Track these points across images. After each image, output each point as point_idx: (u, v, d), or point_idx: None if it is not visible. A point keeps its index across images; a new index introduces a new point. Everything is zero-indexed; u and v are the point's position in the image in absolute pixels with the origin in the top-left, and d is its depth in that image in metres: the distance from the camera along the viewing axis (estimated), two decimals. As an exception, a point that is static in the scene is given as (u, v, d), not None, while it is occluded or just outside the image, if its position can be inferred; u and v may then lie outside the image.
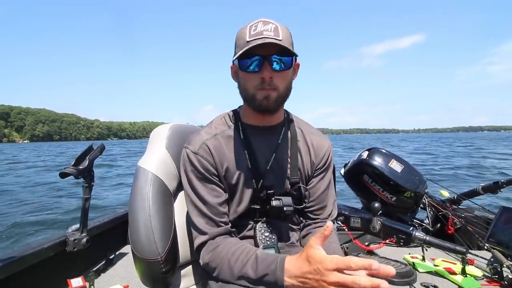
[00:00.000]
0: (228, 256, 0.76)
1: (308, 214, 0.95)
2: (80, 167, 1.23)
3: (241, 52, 0.76)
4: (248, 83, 0.81)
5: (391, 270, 0.56)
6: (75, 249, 1.24)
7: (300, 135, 0.95)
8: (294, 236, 0.95)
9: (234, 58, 0.79)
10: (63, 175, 1.18)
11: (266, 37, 0.75)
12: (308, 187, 0.94)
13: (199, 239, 0.82)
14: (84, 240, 1.26)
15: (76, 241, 1.25)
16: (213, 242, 0.81)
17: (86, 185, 1.27)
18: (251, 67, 0.78)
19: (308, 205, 0.94)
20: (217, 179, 0.85)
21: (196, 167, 0.83)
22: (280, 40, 0.76)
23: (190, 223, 0.86)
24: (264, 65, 0.77)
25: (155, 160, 0.92)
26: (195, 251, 0.85)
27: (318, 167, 0.95)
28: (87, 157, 1.26)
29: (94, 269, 1.35)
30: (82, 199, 1.27)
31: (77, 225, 1.31)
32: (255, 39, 0.75)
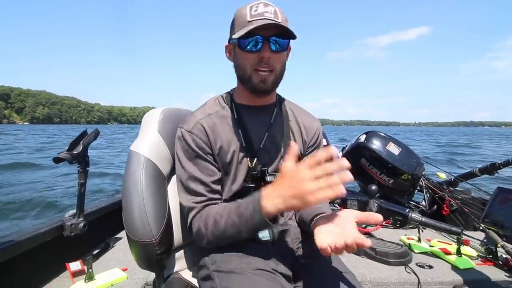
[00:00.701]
0: (213, 215, 0.78)
1: None
2: (74, 152, 1.22)
3: (245, 31, 0.76)
4: (246, 62, 0.81)
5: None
6: (72, 234, 1.25)
7: (291, 116, 0.96)
8: (288, 215, 0.96)
9: (237, 36, 0.78)
10: (57, 160, 1.18)
11: (268, 18, 0.76)
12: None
13: (191, 214, 0.83)
14: (81, 224, 1.27)
15: (73, 226, 1.25)
16: (202, 211, 0.82)
17: (81, 170, 1.27)
18: (252, 46, 0.79)
19: None
20: (211, 157, 0.86)
21: (190, 145, 0.83)
22: (279, 22, 0.77)
23: (181, 202, 0.86)
24: (264, 45, 0.78)
25: (148, 143, 0.91)
26: (188, 229, 0.85)
27: (309, 146, 0.97)
28: (81, 142, 1.25)
29: (92, 253, 1.36)
30: (77, 184, 1.26)
31: (74, 210, 1.31)
32: (257, 19, 0.76)
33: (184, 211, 0.86)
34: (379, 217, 0.64)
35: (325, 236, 0.63)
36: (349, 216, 0.66)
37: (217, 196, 0.85)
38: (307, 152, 0.97)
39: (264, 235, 0.81)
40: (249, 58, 0.80)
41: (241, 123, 0.88)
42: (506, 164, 1.80)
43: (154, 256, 0.83)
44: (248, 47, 0.79)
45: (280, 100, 0.97)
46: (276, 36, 0.78)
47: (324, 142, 1.03)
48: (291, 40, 0.82)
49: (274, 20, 0.76)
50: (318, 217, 0.74)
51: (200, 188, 0.82)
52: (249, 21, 0.77)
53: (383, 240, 1.44)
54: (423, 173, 1.86)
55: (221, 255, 0.80)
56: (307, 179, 0.63)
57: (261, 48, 0.78)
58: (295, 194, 0.65)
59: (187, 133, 0.84)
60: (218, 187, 0.86)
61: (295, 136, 0.94)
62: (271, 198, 0.69)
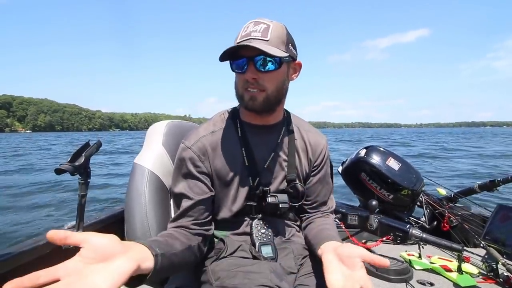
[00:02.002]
0: (172, 239, 0.74)
1: (308, 210, 0.98)
2: (76, 164, 1.22)
3: (221, 53, 0.76)
4: (238, 83, 0.83)
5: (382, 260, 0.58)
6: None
7: (297, 133, 0.96)
8: (291, 232, 0.96)
9: (220, 58, 0.79)
10: (59, 171, 1.17)
11: (252, 38, 0.76)
12: (307, 186, 0.95)
13: (168, 225, 0.83)
14: (81, 237, 1.25)
15: (72, 238, 1.24)
16: (175, 229, 0.80)
17: (82, 181, 1.26)
18: (237, 68, 0.81)
19: (307, 202, 0.96)
20: (206, 177, 0.85)
21: (186, 162, 0.84)
22: (267, 40, 0.76)
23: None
24: (249, 66, 0.78)
25: (152, 156, 0.92)
26: None
27: (315, 164, 0.96)
28: (83, 154, 1.25)
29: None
30: (78, 195, 1.26)
31: (73, 222, 1.30)
32: (241, 41, 0.77)
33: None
34: (385, 262, 0.62)
35: (336, 276, 0.62)
36: (357, 256, 0.64)
37: (200, 216, 0.83)
38: (313, 171, 0.96)
39: (268, 251, 0.81)
40: (239, 78, 0.82)
41: (245, 142, 0.88)
42: (506, 181, 1.81)
43: None
44: (236, 68, 0.81)
45: (288, 118, 0.97)
46: (265, 55, 0.77)
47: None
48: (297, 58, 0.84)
49: (261, 39, 0.76)
50: (326, 243, 0.74)
51: (184, 205, 0.82)
52: (237, 43, 0.78)
53: (384, 255, 1.43)
54: (423, 188, 1.87)
55: (225, 272, 0.80)
56: None
57: (246, 69, 0.79)
58: None
59: (186, 148, 0.85)
60: (204, 207, 0.84)
61: (300, 155, 0.94)
62: None
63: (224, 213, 0.88)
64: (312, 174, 0.96)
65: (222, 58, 0.78)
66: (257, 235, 0.86)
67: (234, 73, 0.89)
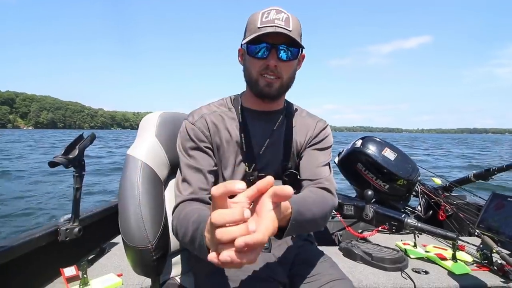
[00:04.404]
0: (187, 218, 0.68)
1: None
2: (70, 156, 1.21)
3: (251, 37, 0.77)
4: (253, 68, 0.82)
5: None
6: (67, 239, 1.24)
7: (296, 119, 0.96)
8: None
9: (245, 42, 0.79)
10: (52, 164, 1.17)
11: (277, 26, 0.76)
12: (300, 160, 0.94)
13: (177, 201, 0.80)
14: (76, 229, 1.26)
15: (68, 230, 1.24)
16: (183, 205, 0.78)
17: (77, 174, 1.26)
18: (259, 54, 0.80)
19: (301, 178, 0.91)
20: (209, 151, 0.86)
21: (191, 137, 0.85)
22: (290, 30, 0.77)
23: (175, 193, 0.84)
24: (271, 53, 0.79)
25: (145, 148, 0.91)
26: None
27: (311, 143, 0.94)
28: (77, 146, 1.24)
29: (87, 258, 1.34)
30: (73, 188, 1.25)
31: (69, 215, 1.30)
32: (266, 26, 0.77)
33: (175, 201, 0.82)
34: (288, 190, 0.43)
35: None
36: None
37: (207, 187, 0.82)
38: (308, 147, 0.94)
39: None
40: (256, 64, 0.81)
41: (244, 127, 0.89)
42: (501, 169, 1.82)
43: (150, 261, 0.83)
44: (256, 53, 0.80)
45: (289, 106, 0.97)
46: (286, 45, 0.79)
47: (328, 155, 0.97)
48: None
49: (285, 28, 0.76)
50: None
51: (194, 178, 0.81)
52: (259, 28, 0.78)
53: (379, 245, 1.44)
54: (419, 178, 1.88)
55: None
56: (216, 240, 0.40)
57: (267, 55, 0.79)
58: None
59: (190, 124, 0.86)
60: (213, 179, 0.86)
61: (297, 142, 0.93)
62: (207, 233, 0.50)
63: None
64: (307, 148, 0.94)
65: (248, 41, 0.78)
66: None
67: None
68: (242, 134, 0.88)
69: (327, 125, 0.98)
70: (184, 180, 0.82)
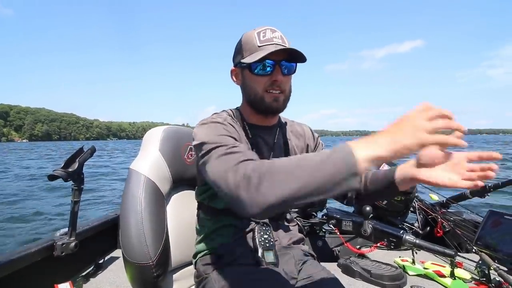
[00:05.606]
0: (290, 158, 0.60)
1: None
2: (70, 170, 1.20)
3: (260, 55, 0.78)
4: (257, 85, 0.84)
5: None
6: (63, 254, 1.21)
7: (288, 130, 1.01)
8: (291, 237, 0.96)
9: (251, 61, 0.80)
10: (52, 177, 1.16)
11: (277, 44, 0.81)
12: None
13: (237, 160, 0.63)
14: (73, 244, 1.23)
15: (64, 245, 1.22)
16: (253, 160, 0.64)
17: (76, 188, 1.24)
18: (265, 70, 0.82)
19: None
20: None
21: (224, 124, 0.79)
22: (291, 47, 0.81)
23: (214, 172, 0.65)
24: (275, 69, 0.82)
25: (148, 162, 0.91)
26: (222, 180, 0.61)
27: (312, 146, 1.03)
28: (77, 160, 1.24)
29: (82, 274, 1.32)
30: (71, 202, 1.24)
31: (66, 229, 1.28)
32: (267, 45, 0.81)
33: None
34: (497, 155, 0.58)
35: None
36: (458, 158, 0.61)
37: None
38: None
39: (270, 257, 0.81)
40: (260, 81, 0.84)
41: (253, 143, 0.90)
42: (497, 187, 1.84)
43: (151, 278, 0.82)
44: (260, 70, 0.82)
45: (280, 120, 1.01)
46: (286, 61, 0.82)
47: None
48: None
49: (284, 46, 0.80)
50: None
51: (244, 147, 0.70)
52: (259, 46, 0.81)
53: (378, 261, 1.44)
54: (416, 194, 1.89)
55: (229, 280, 0.79)
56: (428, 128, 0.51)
57: (272, 71, 0.82)
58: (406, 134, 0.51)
59: (220, 124, 0.79)
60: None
61: (296, 151, 0.98)
62: (363, 145, 0.53)
63: (221, 204, 0.88)
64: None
65: (256, 60, 0.79)
66: (259, 240, 0.86)
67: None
68: (254, 150, 0.88)
69: (309, 127, 1.08)
70: (231, 150, 0.67)
